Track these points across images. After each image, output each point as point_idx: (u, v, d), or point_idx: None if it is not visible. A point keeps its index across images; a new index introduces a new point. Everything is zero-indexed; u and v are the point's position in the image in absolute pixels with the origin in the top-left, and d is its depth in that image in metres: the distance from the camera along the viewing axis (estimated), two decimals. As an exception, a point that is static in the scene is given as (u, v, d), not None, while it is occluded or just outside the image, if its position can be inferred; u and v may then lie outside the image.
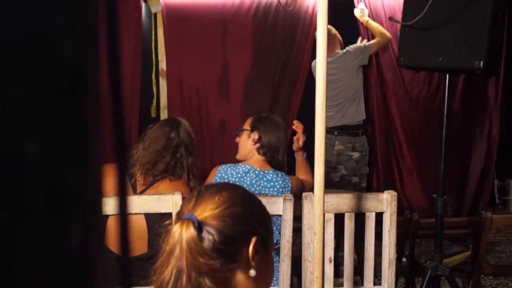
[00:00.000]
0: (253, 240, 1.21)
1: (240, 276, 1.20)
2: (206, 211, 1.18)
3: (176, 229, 1.17)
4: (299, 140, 2.83)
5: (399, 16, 2.81)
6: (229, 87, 4.52)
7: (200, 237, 1.16)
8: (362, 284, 2.52)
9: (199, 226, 1.17)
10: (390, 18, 3.14)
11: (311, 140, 1.77)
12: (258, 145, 2.71)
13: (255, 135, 2.72)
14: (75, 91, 0.35)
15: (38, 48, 0.33)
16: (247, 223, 1.22)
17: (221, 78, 4.50)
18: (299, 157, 2.88)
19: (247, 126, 2.79)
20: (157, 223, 2.37)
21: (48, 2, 0.33)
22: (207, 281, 1.15)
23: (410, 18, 2.53)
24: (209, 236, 1.16)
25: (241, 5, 4.44)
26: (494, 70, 2.45)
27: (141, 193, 2.49)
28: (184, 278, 1.14)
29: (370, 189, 4.68)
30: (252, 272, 1.21)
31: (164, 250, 1.18)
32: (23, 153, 0.32)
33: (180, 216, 1.20)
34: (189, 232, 1.15)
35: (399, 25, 2.76)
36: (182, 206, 1.24)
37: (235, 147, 2.85)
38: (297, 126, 2.87)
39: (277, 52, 4.53)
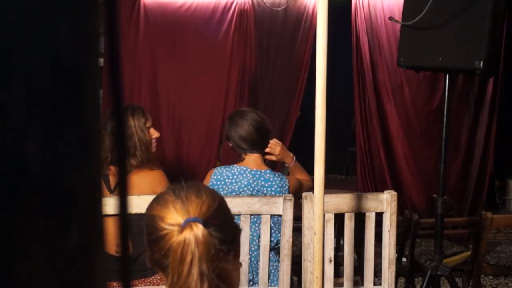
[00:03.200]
0: (238, 231, 1.26)
1: (230, 267, 1.21)
2: (202, 210, 1.18)
3: (186, 235, 1.14)
4: (272, 155, 2.69)
5: (399, 16, 2.81)
6: (236, 87, 4.55)
7: (210, 235, 1.16)
8: (362, 284, 2.52)
9: (205, 225, 1.16)
10: (390, 18, 3.14)
11: (311, 140, 1.77)
12: (230, 145, 2.68)
13: (227, 140, 2.70)
14: (75, 91, 0.35)
15: (38, 48, 0.33)
16: (231, 216, 1.27)
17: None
18: (289, 162, 2.76)
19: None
20: (136, 223, 2.37)
21: (48, 2, 0.33)
22: (222, 275, 1.16)
23: (410, 18, 2.53)
24: (213, 233, 1.16)
25: (242, 6, 4.45)
26: (494, 70, 2.45)
27: (116, 186, 2.48)
28: (206, 279, 1.13)
29: (369, 189, 4.68)
30: (239, 263, 1.24)
31: (176, 260, 1.14)
32: (23, 153, 0.32)
33: (174, 222, 1.17)
34: (201, 233, 1.14)
35: (399, 25, 2.76)
36: (167, 212, 1.20)
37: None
38: (272, 147, 2.69)
39: (278, 52, 4.54)
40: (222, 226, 1.20)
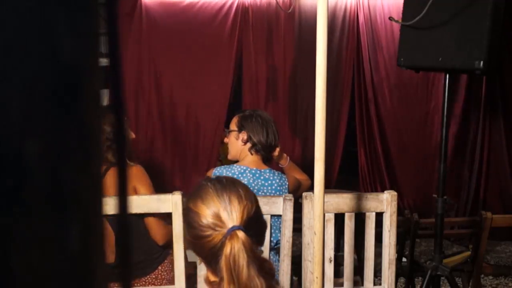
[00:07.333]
0: (265, 227, 1.42)
1: (259, 254, 1.34)
2: (244, 217, 1.31)
3: (233, 243, 1.26)
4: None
5: (399, 16, 2.81)
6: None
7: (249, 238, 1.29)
8: (362, 284, 2.52)
9: (245, 231, 1.29)
10: (390, 18, 3.14)
11: (311, 140, 1.77)
12: (249, 145, 2.66)
13: (243, 135, 2.66)
14: (75, 91, 0.35)
15: (38, 48, 0.33)
16: (261, 214, 1.41)
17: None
18: (284, 163, 2.81)
19: (233, 126, 2.72)
20: (135, 224, 2.37)
21: (48, 2, 0.33)
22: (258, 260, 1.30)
23: (410, 18, 2.53)
24: (250, 233, 1.30)
25: (243, 5, 4.45)
26: (494, 70, 2.45)
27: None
28: (254, 268, 1.26)
29: (371, 189, 4.68)
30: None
31: (228, 265, 1.25)
32: (23, 153, 0.32)
33: (220, 228, 1.29)
34: (245, 239, 1.27)
35: (399, 25, 2.76)
36: (216, 215, 1.30)
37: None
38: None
39: (279, 52, 4.55)
40: (256, 228, 1.35)
